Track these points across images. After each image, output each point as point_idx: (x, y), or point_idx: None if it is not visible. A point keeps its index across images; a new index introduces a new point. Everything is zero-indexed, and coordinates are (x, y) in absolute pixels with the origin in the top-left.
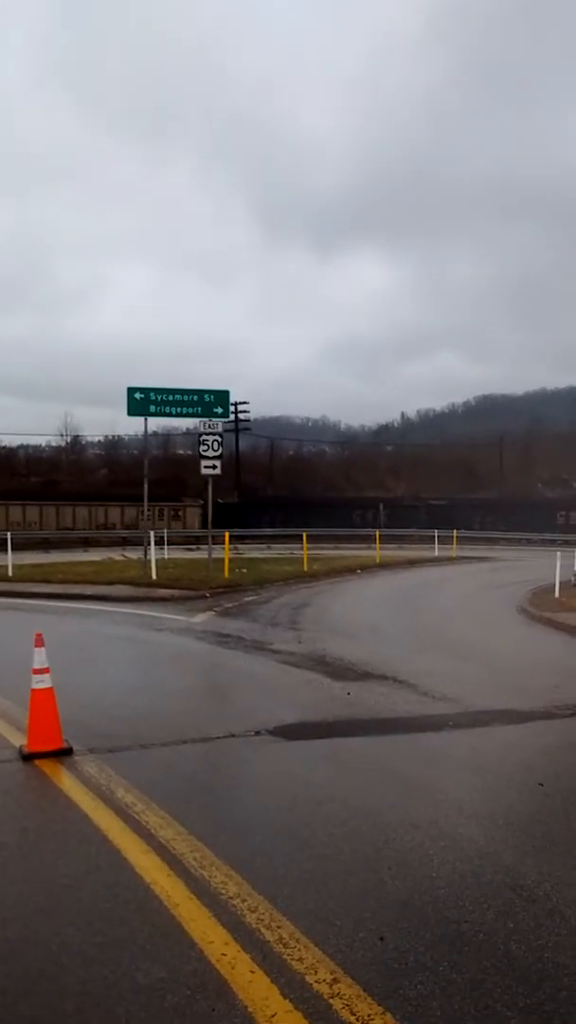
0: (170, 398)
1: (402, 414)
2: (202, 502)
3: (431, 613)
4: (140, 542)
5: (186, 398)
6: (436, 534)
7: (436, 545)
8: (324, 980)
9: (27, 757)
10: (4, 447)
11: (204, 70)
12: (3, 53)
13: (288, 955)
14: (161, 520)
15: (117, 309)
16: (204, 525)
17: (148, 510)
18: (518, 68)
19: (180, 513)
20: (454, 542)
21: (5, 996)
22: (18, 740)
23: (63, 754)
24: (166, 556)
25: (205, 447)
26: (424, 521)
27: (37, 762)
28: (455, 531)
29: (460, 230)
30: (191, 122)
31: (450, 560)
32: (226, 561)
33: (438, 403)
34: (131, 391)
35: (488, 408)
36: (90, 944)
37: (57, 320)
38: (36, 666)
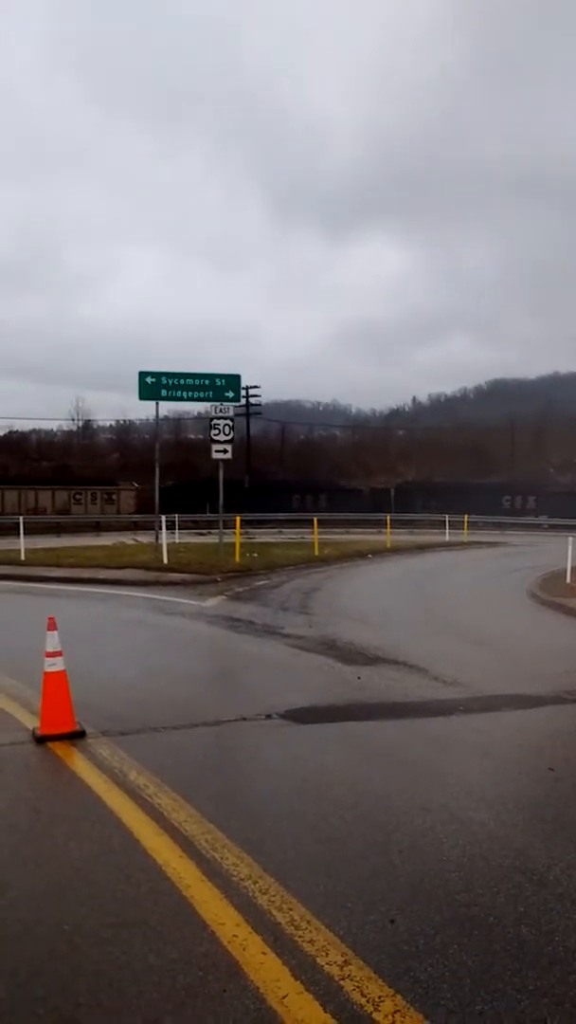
0: (181, 382)
1: (413, 398)
2: (137, 486)
3: (441, 598)
4: (152, 526)
5: (197, 382)
6: (447, 519)
7: (447, 530)
8: (335, 962)
9: (40, 740)
10: (16, 431)
11: (215, 56)
12: (17, 40)
13: (299, 937)
14: (94, 504)
15: (128, 294)
16: (140, 510)
17: (79, 494)
18: (530, 49)
19: (114, 497)
20: (465, 527)
21: (18, 976)
22: (31, 723)
23: (76, 737)
24: (177, 540)
25: (216, 431)
26: (367, 505)
27: (50, 744)
28: (466, 516)
29: (472, 213)
30: (203, 107)
31: (461, 545)
32: (237, 546)
33: (449, 387)
34: (143, 375)
35: (500, 392)
36: (102, 925)
37: (69, 305)
38: (49, 649)
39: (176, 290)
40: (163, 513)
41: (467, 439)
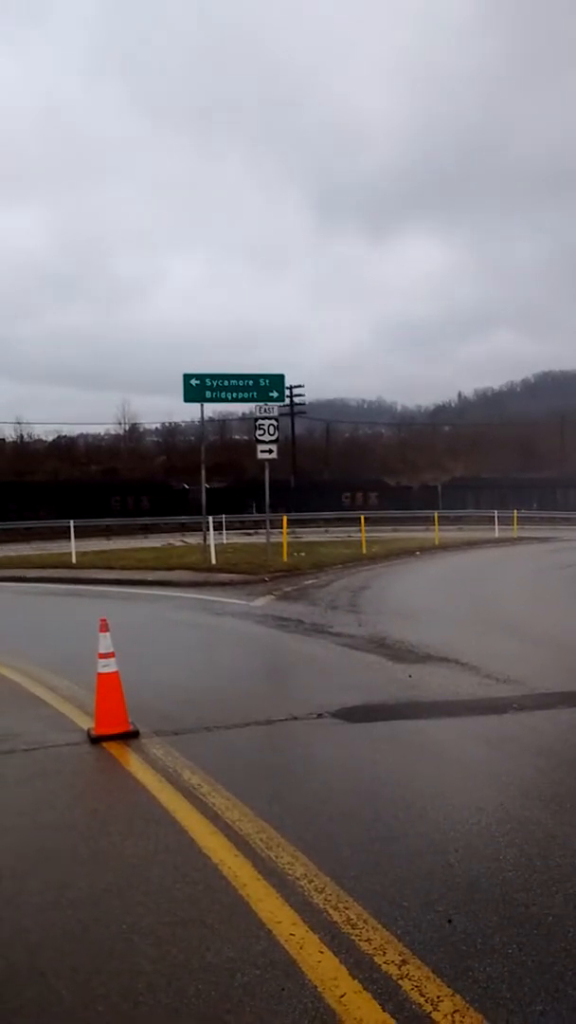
0: (225, 383)
1: (459, 394)
2: None
3: (492, 594)
4: (199, 528)
5: (241, 383)
6: (496, 515)
7: (496, 526)
8: (393, 961)
9: (95, 740)
10: (65, 436)
11: (252, 57)
12: (60, 50)
13: (356, 936)
14: None
15: (173, 298)
16: None
17: None
18: (570, 38)
19: None
20: (514, 523)
21: (77, 974)
22: (86, 723)
23: (130, 737)
24: (225, 541)
25: (261, 431)
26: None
27: (105, 745)
28: (515, 512)
29: (516, 206)
30: (241, 110)
31: (511, 541)
32: (284, 545)
33: (496, 381)
34: (187, 377)
35: (548, 385)
36: (160, 923)
37: (114, 311)
38: (101, 651)
39: (220, 293)
40: None
41: (515, 434)
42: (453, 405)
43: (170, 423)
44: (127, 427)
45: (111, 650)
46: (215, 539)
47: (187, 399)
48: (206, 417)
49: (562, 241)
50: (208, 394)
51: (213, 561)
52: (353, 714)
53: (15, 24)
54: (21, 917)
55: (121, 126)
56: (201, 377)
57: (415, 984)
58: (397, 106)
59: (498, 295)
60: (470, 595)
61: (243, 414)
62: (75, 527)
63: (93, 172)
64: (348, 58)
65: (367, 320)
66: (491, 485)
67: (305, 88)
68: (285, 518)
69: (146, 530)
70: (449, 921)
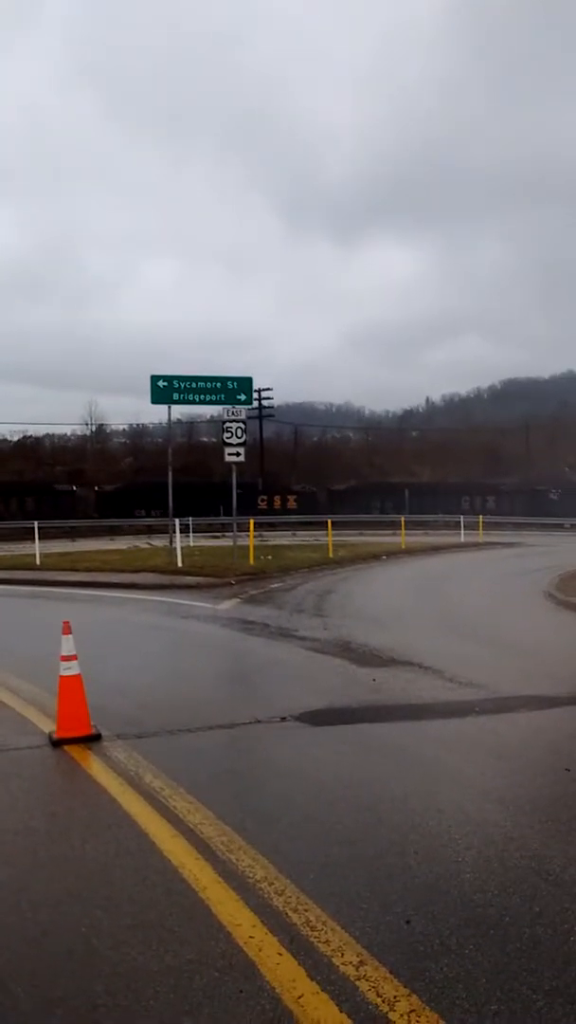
0: (193, 385)
1: (427, 399)
2: None
3: (457, 599)
4: (166, 530)
5: (209, 385)
6: (462, 520)
7: (462, 531)
8: (350, 962)
9: (56, 743)
10: (30, 437)
11: (221, 66)
12: (32, 56)
13: (315, 938)
14: None
15: (143, 300)
16: None
17: None
18: (537, 50)
19: None
20: (480, 528)
21: (35, 977)
22: (47, 726)
23: (91, 740)
24: (191, 544)
25: (229, 434)
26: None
27: (66, 748)
28: (481, 517)
29: (483, 214)
30: (211, 118)
31: (476, 546)
32: (251, 548)
33: (463, 388)
34: (155, 379)
35: (514, 392)
36: (119, 927)
37: (83, 311)
38: (63, 653)
39: (189, 296)
40: None
41: (481, 440)
42: (421, 410)
43: (138, 424)
44: (94, 428)
45: (73, 653)
46: (182, 541)
47: (155, 401)
48: (174, 419)
49: (528, 249)
50: (176, 396)
51: (179, 564)
52: (317, 718)
53: None
54: None
55: (94, 131)
56: (169, 379)
57: (372, 985)
58: (365, 115)
59: (465, 303)
60: (434, 599)
61: (211, 416)
62: (41, 528)
63: (65, 175)
64: (316, 67)
65: (336, 325)
66: (456, 490)
67: (274, 96)
68: (252, 521)
69: (112, 532)
70: (407, 922)
